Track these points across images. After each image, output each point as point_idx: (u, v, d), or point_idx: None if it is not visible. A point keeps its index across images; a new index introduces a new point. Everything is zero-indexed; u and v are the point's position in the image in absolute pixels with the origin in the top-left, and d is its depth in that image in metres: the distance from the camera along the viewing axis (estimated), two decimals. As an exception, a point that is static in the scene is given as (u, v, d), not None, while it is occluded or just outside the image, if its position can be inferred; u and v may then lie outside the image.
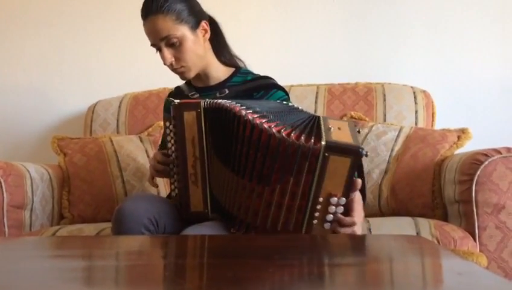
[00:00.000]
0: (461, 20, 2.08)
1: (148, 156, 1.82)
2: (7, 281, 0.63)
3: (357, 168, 1.07)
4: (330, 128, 1.10)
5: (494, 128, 2.03)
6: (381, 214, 1.64)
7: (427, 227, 1.36)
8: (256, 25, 2.12)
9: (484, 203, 1.37)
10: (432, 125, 1.89)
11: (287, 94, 1.39)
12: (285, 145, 1.07)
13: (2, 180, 1.54)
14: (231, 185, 1.17)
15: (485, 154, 1.39)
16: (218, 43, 1.41)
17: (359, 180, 1.09)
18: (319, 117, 1.15)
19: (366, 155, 1.07)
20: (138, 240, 1.07)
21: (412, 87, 1.92)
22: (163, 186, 1.78)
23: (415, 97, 1.88)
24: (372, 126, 1.77)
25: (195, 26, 1.33)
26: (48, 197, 1.73)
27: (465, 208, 1.42)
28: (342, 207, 1.08)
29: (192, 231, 1.16)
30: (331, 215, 1.08)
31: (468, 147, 1.65)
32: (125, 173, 1.79)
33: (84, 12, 2.22)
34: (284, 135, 1.08)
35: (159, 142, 1.83)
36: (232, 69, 1.42)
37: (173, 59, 1.32)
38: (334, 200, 1.07)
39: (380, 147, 1.70)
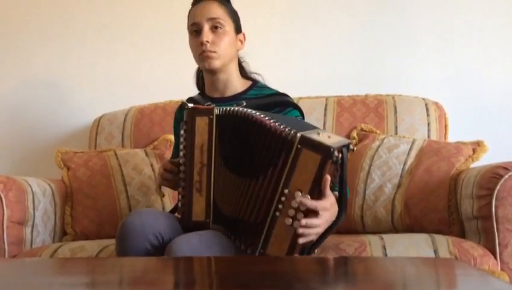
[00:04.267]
0: (473, 30, 2.05)
1: (153, 170, 1.78)
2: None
3: (327, 170, 1.08)
4: (319, 133, 1.13)
5: (509, 141, 1.98)
6: (395, 230, 1.58)
7: (444, 244, 1.31)
8: (264, 37, 2.09)
9: (505, 219, 1.32)
10: (444, 138, 1.84)
11: (303, 114, 1.40)
12: (269, 132, 1.13)
13: (2, 195, 1.50)
14: (239, 195, 1.17)
15: (505, 167, 1.34)
16: (240, 58, 1.46)
17: (328, 177, 1.09)
18: (318, 127, 1.20)
19: (336, 161, 1.08)
20: (141, 263, 1.02)
21: (423, 98, 1.87)
22: (169, 201, 1.74)
23: (427, 109, 1.84)
24: (383, 139, 1.72)
25: (237, 31, 1.41)
26: (50, 213, 1.68)
27: (485, 224, 1.36)
28: (304, 205, 1.08)
29: (183, 238, 1.14)
30: (293, 211, 1.09)
31: (483, 160, 1.60)
32: (129, 187, 1.74)
33: (90, 25, 2.21)
34: (268, 122, 1.14)
35: (165, 156, 1.79)
36: (249, 82, 1.43)
37: (210, 40, 1.34)
38: (299, 194, 1.08)
39: (392, 160, 1.65)
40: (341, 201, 1.16)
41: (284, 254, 1.12)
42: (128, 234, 1.15)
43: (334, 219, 1.15)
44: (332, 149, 1.07)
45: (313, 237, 1.13)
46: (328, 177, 1.10)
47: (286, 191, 1.10)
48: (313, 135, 1.11)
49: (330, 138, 1.14)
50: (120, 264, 0.98)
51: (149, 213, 1.24)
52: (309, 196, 1.08)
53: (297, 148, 1.09)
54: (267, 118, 1.17)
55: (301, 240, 1.10)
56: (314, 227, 1.10)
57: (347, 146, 1.15)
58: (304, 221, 1.09)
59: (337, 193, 1.18)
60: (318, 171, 1.07)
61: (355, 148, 1.20)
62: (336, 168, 1.13)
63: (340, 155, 1.11)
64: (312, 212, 1.10)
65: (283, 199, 1.10)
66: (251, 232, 1.17)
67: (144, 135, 1.94)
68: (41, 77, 2.23)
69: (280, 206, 1.11)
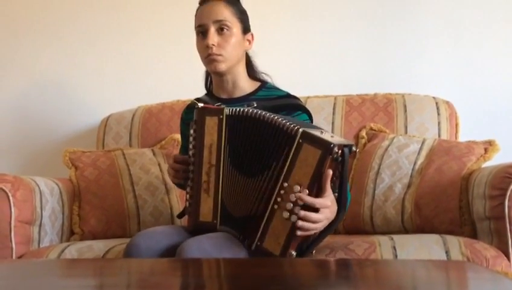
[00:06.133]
0: (484, 27, 2.02)
1: (161, 170, 1.77)
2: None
3: (327, 165, 1.09)
4: (322, 132, 1.14)
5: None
6: (405, 230, 1.56)
7: (456, 245, 1.28)
8: (273, 36, 2.07)
9: (518, 220, 1.28)
10: (455, 137, 1.81)
11: (311, 118, 1.39)
12: (274, 127, 1.15)
13: (10, 195, 1.49)
14: (247, 195, 1.16)
15: (518, 167, 1.31)
16: (249, 57, 1.44)
17: (329, 172, 1.10)
18: (324, 129, 1.20)
19: (336, 158, 1.08)
20: (149, 264, 1.01)
21: (434, 97, 1.85)
22: (177, 201, 1.73)
23: (437, 108, 1.81)
24: (393, 138, 1.70)
25: (244, 32, 1.38)
26: (57, 213, 1.68)
27: (497, 224, 1.33)
28: (302, 200, 1.09)
29: (194, 241, 1.13)
30: (291, 204, 1.10)
31: (495, 160, 1.57)
32: (137, 187, 1.74)
33: (97, 25, 2.20)
34: (273, 119, 1.15)
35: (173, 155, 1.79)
36: (257, 83, 1.42)
37: (216, 44, 1.33)
38: (297, 188, 1.10)
39: (402, 159, 1.63)
40: (340, 201, 1.16)
41: (280, 248, 1.11)
42: (136, 256, 1.16)
43: (334, 216, 1.14)
44: (332, 145, 1.09)
45: (311, 233, 1.13)
46: (330, 172, 1.10)
47: (285, 184, 1.11)
48: (316, 132, 1.12)
49: (333, 137, 1.15)
50: (128, 266, 0.97)
51: (155, 233, 1.23)
52: (307, 191, 1.09)
53: (298, 142, 1.11)
54: (275, 117, 1.17)
55: (299, 233, 1.10)
56: (313, 222, 1.10)
57: (349, 147, 1.16)
58: (302, 213, 1.09)
59: (336, 195, 1.17)
60: (318, 166, 1.09)
61: (357, 150, 1.20)
62: (337, 166, 1.13)
63: (340, 152, 1.11)
64: (311, 208, 1.10)
65: (282, 192, 1.11)
66: (251, 225, 1.16)
67: (151, 135, 1.93)
68: (49, 77, 2.23)
69: (279, 199, 1.12)
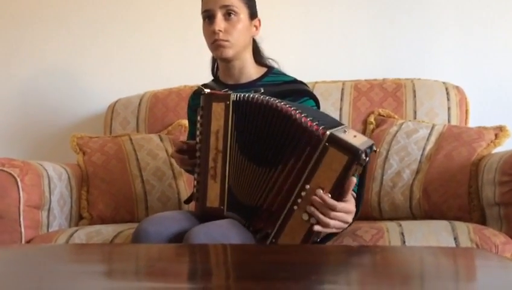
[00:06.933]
0: (495, 12, 1.98)
1: (168, 155, 1.77)
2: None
3: (352, 171, 1.07)
4: (345, 131, 1.11)
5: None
6: (413, 217, 1.55)
7: (465, 231, 1.27)
8: (280, 21, 2.05)
9: (528, 206, 1.27)
10: (465, 123, 1.79)
11: (318, 104, 1.37)
12: (295, 124, 1.12)
13: (18, 180, 1.50)
14: (256, 183, 1.16)
15: (529, 153, 1.29)
16: (255, 43, 1.42)
17: (353, 179, 1.08)
18: (344, 124, 1.18)
19: (361, 163, 1.07)
20: (156, 250, 1.01)
21: (444, 82, 1.82)
22: (184, 187, 1.73)
23: (447, 93, 1.78)
24: (402, 124, 1.68)
25: (252, 17, 1.36)
26: (66, 197, 1.69)
27: (507, 211, 1.32)
28: (324, 201, 1.07)
29: (202, 228, 1.13)
30: (312, 207, 1.08)
31: (506, 145, 1.56)
32: (144, 172, 1.74)
33: (105, 12, 2.19)
34: (297, 115, 1.12)
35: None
36: (264, 69, 1.41)
37: (223, 29, 1.31)
38: (320, 192, 1.07)
39: (411, 145, 1.61)
40: (358, 201, 1.15)
41: None
42: (144, 242, 1.16)
43: (351, 221, 1.14)
44: (360, 151, 1.05)
45: (327, 232, 1.13)
46: (354, 180, 1.08)
47: (307, 186, 1.08)
48: (340, 134, 1.09)
49: (356, 137, 1.12)
50: (136, 251, 0.97)
51: (163, 218, 1.23)
52: (330, 195, 1.07)
53: (324, 145, 1.07)
54: (288, 106, 1.15)
55: (315, 232, 1.09)
56: (330, 227, 1.09)
57: (371, 147, 1.14)
58: (321, 217, 1.07)
59: (354, 194, 1.16)
60: (343, 172, 1.06)
61: (378, 150, 1.18)
62: (358, 169, 1.12)
63: (367, 158, 1.09)
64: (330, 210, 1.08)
65: (303, 193, 1.09)
66: (263, 218, 1.16)
67: (158, 120, 1.93)
68: (56, 63, 2.23)
69: (299, 200, 1.09)
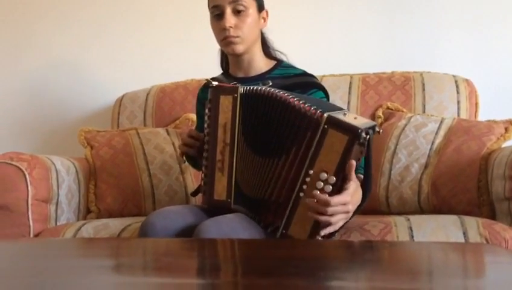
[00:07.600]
0: (505, 5, 1.95)
1: (175, 149, 1.77)
2: None
3: (354, 151, 1.06)
4: (345, 114, 1.10)
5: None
6: (422, 211, 1.54)
7: (474, 226, 1.26)
8: (287, 13, 2.03)
9: (539, 201, 1.25)
10: (475, 117, 1.77)
11: (328, 96, 1.36)
12: (294, 111, 1.11)
13: (26, 173, 1.51)
14: (262, 176, 1.15)
15: (540, 147, 1.28)
16: (264, 35, 1.41)
17: (353, 162, 1.06)
18: (345, 109, 1.18)
19: (363, 143, 1.06)
20: (164, 244, 1.01)
21: (453, 76, 1.80)
22: (191, 180, 1.73)
23: (457, 86, 1.76)
24: (410, 117, 1.67)
25: (260, 9, 1.35)
26: (74, 191, 1.70)
27: (517, 205, 1.30)
28: (330, 186, 1.06)
29: (212, 222, 1.13)
30: (318, 191, 1.07)
31: (516, 139, 1.54)
32: (151, 166, 1.74)
33: (113, 5, 2.19)
34: (292, 101, 1.12)
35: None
36: (273, 62, 1.40)
37: (233, 25, 1.30)
38: (324, 176, 1.06)
39: (420, 139, 1.60)
40: (366, 183, 1.13)
41: (307, 234, 1.10)
42: (151, 236, 1.16)
43: (359, 203, 1.12)
44: (360, 130, 1.05)
45: (336, 229, 1.11)
46: (354, 163, 1.07)
47: (311, 171, 1.08)
48: (340, 116, 1.09)
49: (356, 119, 1.11)
50: (143, 246, 0.97)
51: (170, 213, 1.23)
52: (334, 178, 1.06)
53: (323, 128, 1.07)
54: (290, 97, 1.15)
55: (322, 232, 1.08)
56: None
57: (373, 128, 1.13)
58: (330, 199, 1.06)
59: (361, 176, 1.15)
60: (344, 152, 1.05)
61: (381, 131, 1.16)
62: (361, 150, 1.10)
63: (368, 137, 1.08)
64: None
65: (308, 179, 1.08)
66: (272, 211, 1.15)
67: (165, 114, 1.93)
68: (63, 57, 2.23)
69: (304, 186, 1.09)
